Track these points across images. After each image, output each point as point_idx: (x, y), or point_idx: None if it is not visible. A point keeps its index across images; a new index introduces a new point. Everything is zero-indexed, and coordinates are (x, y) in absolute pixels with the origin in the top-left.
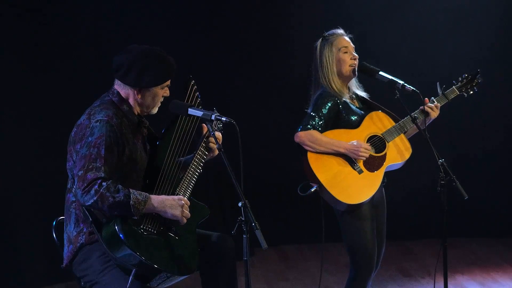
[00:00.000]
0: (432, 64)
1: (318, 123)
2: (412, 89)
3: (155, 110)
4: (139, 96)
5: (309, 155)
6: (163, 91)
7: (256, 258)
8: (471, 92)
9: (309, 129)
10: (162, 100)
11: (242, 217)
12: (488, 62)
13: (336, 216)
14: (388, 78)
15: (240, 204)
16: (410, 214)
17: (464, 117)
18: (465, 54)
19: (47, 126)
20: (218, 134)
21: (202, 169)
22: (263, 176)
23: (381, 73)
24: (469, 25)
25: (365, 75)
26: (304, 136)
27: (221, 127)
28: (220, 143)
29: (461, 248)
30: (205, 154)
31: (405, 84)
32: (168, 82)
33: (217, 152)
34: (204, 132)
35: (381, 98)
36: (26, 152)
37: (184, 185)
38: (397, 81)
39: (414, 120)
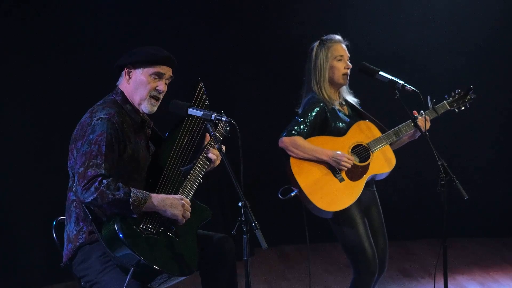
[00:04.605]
0: (431, 64)
1: (303, 129)
2: (412, 89)
3: (148, 106)
4: (127, 79)
5: (292, 160)
6: (155, 83)
7: (256, 258)
8: (463, 108)
9: (294, 134)
10: (158, 96)
11: (242, 217)
12: (485, 61)
13: (329, 223)
14: (388, 78)
15: (240, 204)
16: (410, 214)
17: (463, 117)
18: (464, 54)
19: (48, 125)
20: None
21: (203, 177)
22: (263, 176)
23: (381, 73)
24: (468, 24)
25: (365, 75)
26: (288, 142)
27: (228, 130)
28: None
29: (461, 248)
30: (206, 164)
31: (405, 84)
32: (158, 70)
33: (217, 163)
34: (206, 142)
35: (381, 98)
36: (26, 151)
37: (187, 187)
38: (397, 81)
39: (414, 120)
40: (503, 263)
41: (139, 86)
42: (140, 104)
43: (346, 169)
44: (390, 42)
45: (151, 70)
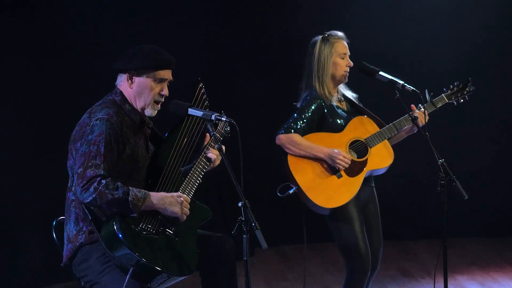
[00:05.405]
0: (431, 64)
1: (300, 126)
2: (412, 89)
3: (151, 111)
4: (129, 84)
5: (289, 157)
6: (158, 88)
7: (256, 258)
8: (462, 101)
9: (291, 132)
10: (161, 100)
11: (242, 217)
12: (485, 60)
13: (326, 220)
14: (388, 78)
15: (240, 204)
16: (410, 214)
17: (463, 116)
18: (464, 53)
19: (47, 125)
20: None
21: (203, 177)
22: (263, 176)
23: (381, 73)
24: (469, 22)
25: (365, 75)
26: (285, 139)
27: (228, 130)
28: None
29: (461, 248)
30: (206, 164)
31: (405, 84)
32: (162, 75)
33: (217, 163)
34: (206, 142)
35: (380, 96)
36: (25, 151)
37: (187, 187)
38: (397, 81)
39: (414, 120)
40: (503, 263)
41: (143, 91)
42: (143, 108)
43: (342, 168)
44: (389, 41)
45: (155, 75)
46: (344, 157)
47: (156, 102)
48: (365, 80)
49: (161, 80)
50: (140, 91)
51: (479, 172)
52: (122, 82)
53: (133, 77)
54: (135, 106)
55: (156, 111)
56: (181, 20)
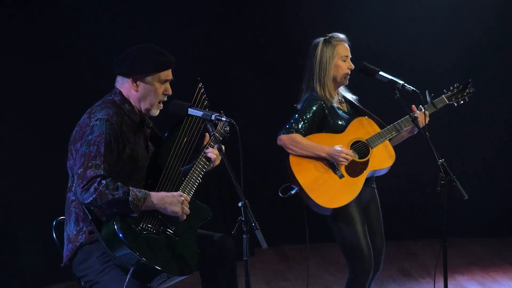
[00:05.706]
0: (431, 64)
1: (301, 126)
2: (412, 89)
3: (155, 111)
4: (134, 87)
5: (291, 158)
6: (162, 88)
7: (256, 258)
8: (462, 102)
9: (292, 132)
10: (165, 99)
11: (242, 217)
12: (486, 59)
13: (328, 220)
14: (388, 78)
15: (240, 204)
16: (410, 214)
17: (463, 116)
18: (465, 53)
19: (47, 125)
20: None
21: (203, 177)
22: (263, 176)
23: (381, 73)
24: (469, 21)
25: (365, 75)
26: (286, 140)
27: (227, 130)
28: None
29: (461, 248)
30: (206, 164)
31: (405, 84)
32: (166, 76)
33: (217, 162)
34: (205, 142)
35: (380, 96)
36: (26, 151)
37: (187, 186)
38: (397, 81)
39: (414, 120)
40: (503, 263)
41: (149, 93)
42: (149, 109)
43: (345, 163)
44: (389, 41)
45: (159, 77)
46: (347, 153)
47: (160, 102)
48: (365, 81)
49: (165, 81)
50: (145, 94)
51: (479, 172)
52: (124, 85)
53: (137, 81)
54: (139, 108)
55: (159, 110)
56: (181, 20)
